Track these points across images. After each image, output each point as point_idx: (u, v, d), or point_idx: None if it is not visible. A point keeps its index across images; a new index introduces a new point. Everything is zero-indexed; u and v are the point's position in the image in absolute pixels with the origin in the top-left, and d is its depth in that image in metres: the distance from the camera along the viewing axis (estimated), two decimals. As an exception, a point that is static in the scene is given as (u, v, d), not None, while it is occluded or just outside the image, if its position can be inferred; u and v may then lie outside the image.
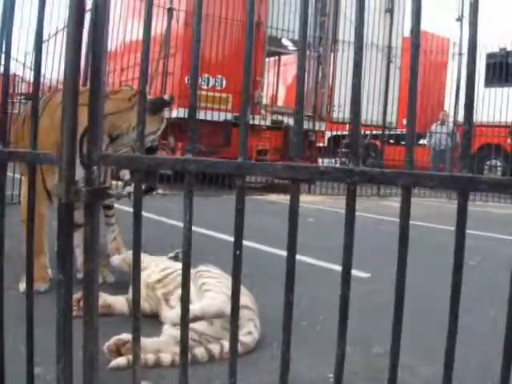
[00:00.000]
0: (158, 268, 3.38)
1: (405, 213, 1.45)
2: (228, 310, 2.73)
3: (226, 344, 2.56)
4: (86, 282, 1.75)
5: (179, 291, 2.94)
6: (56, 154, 1.75)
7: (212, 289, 2.94)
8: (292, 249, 1.55)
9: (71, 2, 1.71)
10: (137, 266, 1.74)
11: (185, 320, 1.68)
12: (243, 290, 2.89)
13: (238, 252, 1.60)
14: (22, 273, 3.60)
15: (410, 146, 1.46)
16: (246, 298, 2.94)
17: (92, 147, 1.68)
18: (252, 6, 1.60)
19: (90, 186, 1.69)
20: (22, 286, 3.59)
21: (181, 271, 1.67)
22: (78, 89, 1.71)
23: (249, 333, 2.88)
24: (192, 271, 3.24)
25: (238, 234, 1.60)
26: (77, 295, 2.33)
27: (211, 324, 2.82)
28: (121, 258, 3.89)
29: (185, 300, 1.68)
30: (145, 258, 3.54)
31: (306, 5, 1.53)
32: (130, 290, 3.29)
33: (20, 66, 9.39)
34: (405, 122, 15.23)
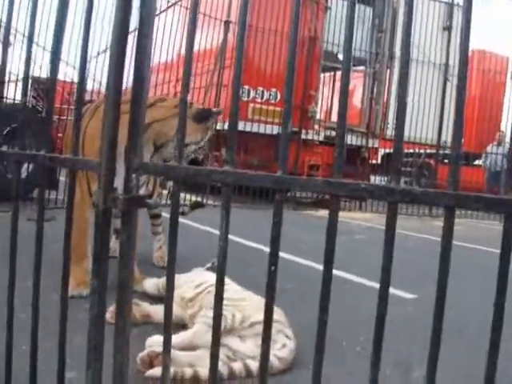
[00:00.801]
0: (193, 284, 3.35)
1: (447, 235, 1.39)
2: (199, 340, 2.74)
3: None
4: (119, 288, 1.74)
5: (202, 312, 2.93)
6: (96, 161, 1.75)
7: (200, 320, 2.92)
8: (328, 265, 1.50)
9: (116, 12, 1.71)
10: (170, 277, 1.72)
11: (215, 337, 1.65)
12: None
13: (273, 268, 1.57)
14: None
15: (455, 166, 1.40)
16: (279, 312, 2.92)
17: (132, 155, 1.68)
18: (296, 18, 1.57)
19: (127, 194, 1.68)
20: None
21: (207, 288, 1.64)
22: (119, 97, 1.71)
23: (283, 346, 2.84)
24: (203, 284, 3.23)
25: (274, 248, 1.57)
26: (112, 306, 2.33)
27: (244, 341, 2.79)
28: (153, 283, 3.87)
29: (217, 315, 1.65)
30: (180, 277, 3.52)
31: (351, 20, 1.50)
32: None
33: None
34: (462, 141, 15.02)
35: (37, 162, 2.01)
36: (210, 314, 2.77)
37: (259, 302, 2.98)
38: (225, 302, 2.85)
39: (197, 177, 1.63)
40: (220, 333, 1.70)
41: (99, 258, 1.73)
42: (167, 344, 1.74)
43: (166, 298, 1.74)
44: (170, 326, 1.73)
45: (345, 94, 1.50)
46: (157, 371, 2.58)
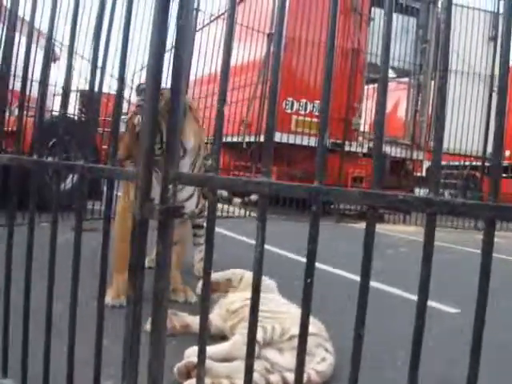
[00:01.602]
0: (244, 296, 3.32)
1: (487, 248, 1.36)
2: (237, 352, 2.71)
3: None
4: (155, 299, 1.74)
5: (241, 325, 2.91)
6: (133, 171, 1.75)
7: (240, 332, 2.90)
8: (365, 279, 1.48)
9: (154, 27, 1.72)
10: (206, 286, 1.72)
11: (250, 349, 1.64)
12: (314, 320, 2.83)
13: (309, 280, 1.55)
14: (109, 285, 3.68)
15: (495, 176, 1.37)
16: (318, 325, 2.89)
17: (168, 166, 1.68)
18: (333, 28, 1.56)
19: (164, 204, 1.68)
20: (107, 299, 3.65)
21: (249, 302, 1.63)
22: (156, 107, 1.72)
23: (322, 359, 2.80)
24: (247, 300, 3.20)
25: (311, 261, 1.55)
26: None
27: (282, 354, 2.77)
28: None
29: (252, 326, 1.64)
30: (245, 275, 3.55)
31: (389, 28, 1.48)
32: (214, 311, 3.28)
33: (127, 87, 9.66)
34: (508, 153, 14.72)
35: (76, 172, 2.03)
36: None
37: (299, 315, 2.95)
38: (265, 315, 2.84)
39: (233, 187, 1.62)
40: (254, 344, 1.69)
41: (135, 269, 1.73)
42: (202, 355, 1.74)
43: (201, 308, 1.74)
44: (204, 336, 1.72)
45: (383, 104, 1.48)
46: (194, 382, 2.57)
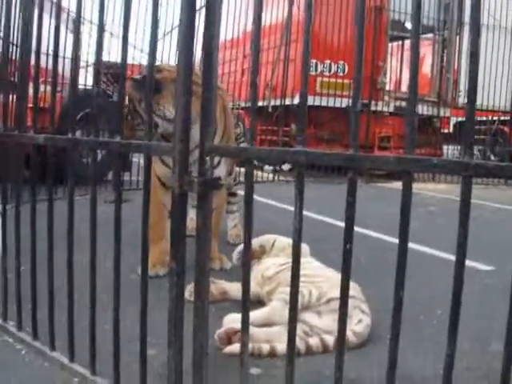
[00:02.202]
0: (279, 262, 3.36)
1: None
2: (276, 317, 2.75)
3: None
4: (197, 270, 1.79)
5: (278, 290, 2.95)
6: (169, 145, 1.78)
7: (277, 297, 2.95)
8: (403, 244, 1.51)
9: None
10: (246, 256, 1.75)
11: (292, 314, 1.68)
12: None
13: (348, 245, 1.58)
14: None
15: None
16: (357, 288, 2.93)
17: (204, 139, 1.71)
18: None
19: (202, 177, 1.71)
20: (140, 270, 3.72)
21: (286, 267, 1.67)
22: (190, 81, 1.74)
23: (359, 321, 2.85)
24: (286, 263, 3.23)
25: (349, 227, 1.58)
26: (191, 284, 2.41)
27: (321, 317, 2.81)
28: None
29: (294, 293, 1.67)
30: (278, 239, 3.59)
31: None
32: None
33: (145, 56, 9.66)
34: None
35: (111, 148, 2.07)
36: (287, 290, 2.81)
37: (336, 278, 2.99)
38: (302, 279, 2.88)
39: (269, 157, 1.65)
40: (297, 309, 1.72)
41: (177, 241, 1.77)
42: (245, 323, 1.78)
43: (243, 276, 1.78)
44: (248, 305, 1.77)
45: (415, 69, 1.48)
46: (235, 348, 2.63)
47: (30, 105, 2.79)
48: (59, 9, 2.53)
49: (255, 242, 3.70)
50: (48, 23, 2.68)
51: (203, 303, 1.81)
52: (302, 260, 3.20)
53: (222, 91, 4.03)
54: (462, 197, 1.42)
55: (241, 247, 3.92)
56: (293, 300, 1.68)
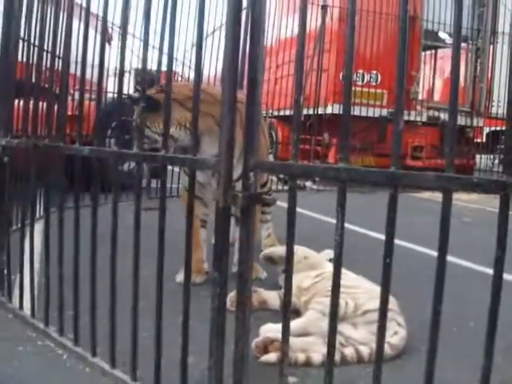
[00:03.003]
0: (314, 274, 3.40)
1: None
2: (312, 327, 2.79)
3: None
4: (239, 282, 1.84)
5: (316, 299, 2.98)
6: (214, 160, 1.84)
7: (313, 307, 2.98)
8: (442, 260, 1.54)
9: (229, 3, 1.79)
10: (290, 265, 1.80)
11: (332, 325, 1.72)
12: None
13: (388, 260, 1.61)
14: (179, 265, 3.80)
15: None
16: (393, 301, 2.94)
17: (249, 154, 1.76)
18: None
19: (246, 191, 1.77)
20: (179, 277, 3.79)
21: (322, 277, 1.70)
22: (235, 100, 1.79)
23: (395, 333, 2.87)
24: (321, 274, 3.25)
25: (389, 242, 1.61)
26: (232, 293, 2.47)
27: (356, 328, 2.85)
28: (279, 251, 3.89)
29: (334, 305, 1.71)
30: (311, 256, 3.62)
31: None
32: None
33: (179, 64, 9.77)
34: None
35: (157, 162, 2.13)
36: (324, 300, 2.84)
37: (372, 289, 3.02)
38: (340, 289, 2.92)
39: (312, 173, 1.69)
40: (336, 321, 1.76)
41: (220, 253, 1.83)
42: (286, 332, 1.82)
43: (285, 287, 1.82)
44: (288, 315, 1.81)
45: (455, 93, 1.51)
46: (271, 357, 2.68)
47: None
48: (104, 24, 2.61)
49: (279, 251, 3.77)
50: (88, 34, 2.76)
51: (245, 314, 1.86)
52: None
53: (241, 104, 4.03)
54: (500, 215, 1.44)
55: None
56: (333, 310, 1.72)
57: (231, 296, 2.65)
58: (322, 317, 2.81)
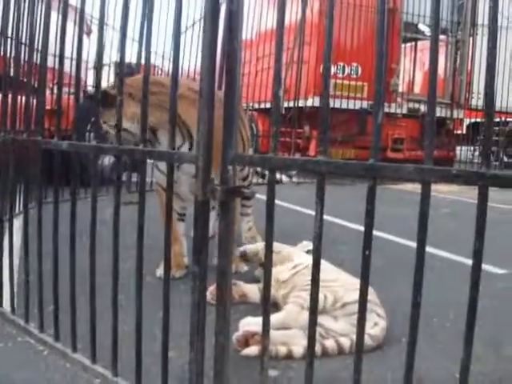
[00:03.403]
0: (290, 265, 3.41)
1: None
2: (291, 321, 2.79)
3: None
4: (219, 276, 1.83)
5: (294, 293, 2.98)
6: (192, 154, 1.83)
7: (293, 301, 2.98)
8: (421, 251, 1.55)
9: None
10: (268, 260, 1.80)
11: (312, 318, 1.72)
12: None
13: (367, 252, 1.62)
14: (159, 259, 3.80)
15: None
16: (372, 292, 2.95)
17: (227, 148, 1.75)
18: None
19: (225, 185, 1.76)
20: (159, 272, 3.79)
21: (300, 270, 1.70)
22: (213, 96, 1.78)
23: (375, 324, 2.89)
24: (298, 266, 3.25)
25: (368, 234, 1.62)
26: (212, 287, 2.47)
27: (336, 320, 2.86)
28: (253, 248, 3.92)
29: (314, 298, 1.72)
30: (283, 250, 3.61)
31: None
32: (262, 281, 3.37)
33: (159, 58, 9.71)
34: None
35: (136, 156, 2.12)
36: (302, 294, 2.85)
37: (350, 282, 3.04)
38: None
39: (291, 166, 1.69)
40: (316, 314, 1.77)
41: (200, 247, 1.82)
42: (266, 326, 1.82)
43: (264, 280, 1.82)
44: (268, 308, 1.81)
45: (433, 87, 1.52)
46: (252, 350, 2.68)
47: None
48: (82, 14, 2.58)
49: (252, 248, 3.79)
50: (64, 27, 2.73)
51: (225, 307, 1.86)
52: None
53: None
54: (479, 207, 1.45)
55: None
56: (313, 303, 1.72)
57: (211, 289, 2.65)
58: (301, 310, 2.82)
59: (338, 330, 2.83)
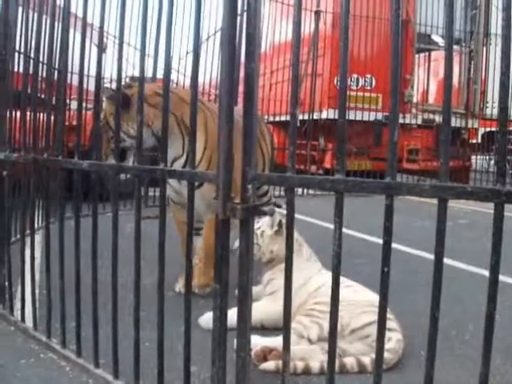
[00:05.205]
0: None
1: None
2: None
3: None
4: (240, 293, 1.86)
5: (296, 318, 2.92)
6: (213, 173, 1.87)
7: (293, 327, 2.88)
8: (439, 269, 1.57)
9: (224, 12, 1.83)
10: (288, 278, 1.83)
11: (333, 336, 1.74)
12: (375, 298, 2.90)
13: (385, 269, 1.64)
14: (177, 273, 3.83)
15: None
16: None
17: (247, 167, 1.79)
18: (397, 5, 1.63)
19: (245, 203, 1.79)
20: (178, 286, 3.81)
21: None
22: (232, 110, 1.82)
23: (388, 339, 2.84)
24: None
25: (387, 251, 1.64)
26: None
27: (351, 343, 2.85)
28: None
29: (334, 314, 1.74)
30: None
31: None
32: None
33: (173, 72, 9.78)
34: None
35: (157, 175, 2.16)
36: (304, 321, 2.85)
37: (358, 301, 2.99)
38: (319, 308, 2.91)
39: (309, 185, 1.72)
40: (337, 330, 1.79)
41: (220, 264, 1.85)
42: (286, 342, 1.85)
43: (284, 298, 1.85)
44: (289, 325, 1.84)
45: (448, 103, 1.54)
46: (270, 364, 2.70)
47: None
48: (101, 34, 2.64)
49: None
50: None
51: (246, 322, 1.89)
52: (325, 280, 3.18)
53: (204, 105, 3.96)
54: (495, 224, 1.47)
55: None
56: (333, 320, 1.75)
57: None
58: (299, 340, 2.80)
59: (354, 351, 2.83)
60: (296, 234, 3.45)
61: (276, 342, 2.70)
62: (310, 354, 2.78)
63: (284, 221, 3.47)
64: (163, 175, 2.08)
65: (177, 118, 3.61)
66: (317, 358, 2.74)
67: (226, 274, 1.87)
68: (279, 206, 5.38)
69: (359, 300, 2.97)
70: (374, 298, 2.98)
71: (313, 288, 3.17)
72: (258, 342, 2.78)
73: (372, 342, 2.76)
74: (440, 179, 1.54)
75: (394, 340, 2.88)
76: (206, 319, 3.00)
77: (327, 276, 3.25)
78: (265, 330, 3.05)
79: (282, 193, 6.88)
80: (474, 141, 14.48)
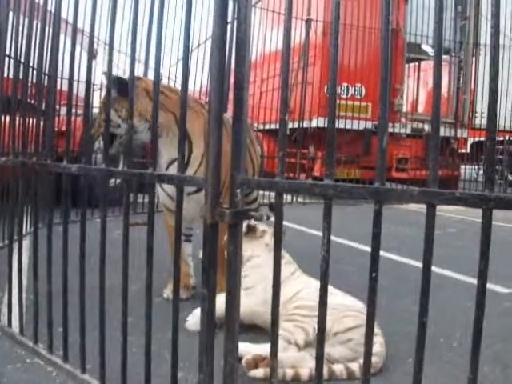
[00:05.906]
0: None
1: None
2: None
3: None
4: (228, 295, 1.86)
5: (282, 325, 2.91)
6: (201, 177, 1.87)
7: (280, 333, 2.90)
8: (427, 274, 1.57)
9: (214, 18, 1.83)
10: (276, 284, 1.82)
11: (320, 341, 1.74)
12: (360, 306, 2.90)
13: (374, 274, 1.64)
14: (165, 279, 3.82)
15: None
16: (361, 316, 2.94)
17: (235, 171, 1.79)
18: (387, 13, 1.64)
19: (233, 208, 1.79)
20: (166, 293, 3.80)
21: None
22: (222, 115, 1.82)
23: (374, 344, 2.84)
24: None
25: (375, 257, 1.64)
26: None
27: (334, 347, 2.84)
28: None
29: (321, 321, 1.74)
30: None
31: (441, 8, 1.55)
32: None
33: (164, 79, 9.79)
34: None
35: (146, 179, 2.15)
36: (288, 327, 2.84)
37: (339, 305, 2.97)
38: (303, 312, 2.91)
39: (298, 190, 1.72)
40: (324, 335, 1.78)
41: (208, 269, 1.85)
42: (274, 348, 1.84)
43: (272, 303, 1.84)
44: (277, 332, 1.83)
45: (437, 110, 1.55)
46: (259, 371, 2.69)
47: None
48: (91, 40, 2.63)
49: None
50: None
51: (234, 327, 1.88)
52: (310, 283, 3.17)
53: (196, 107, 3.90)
54: (483, 229, 1.48)
55: None
56: (321, 325, 1.74)
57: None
58: (287, 346, 2.79)
59: (337, 355, 2.82)
60: (268, 238, 3.48)
61: (268, 349, 2.70)
62: (299, 362, 2.77)
63: (259, 226, 3.51)
64: (152, 180, 2.08)
65: (176, 117, 3.60)
66: (306, 366, 2.73)
67: (214, 278, 1.87)
68: (268, 218, 5.40)
69: (340, 304, 2.97)
70: (353, 302, 3.00)
71: (289, 295, 3.13)
72: (249, 349, 2.77)
73: (354, 346, 2.79)
74: (428, 185, 1.55)
75: (378, 344, 2.88)
76: (192, 322, 3.00)
77: (301, 280, 3.28)
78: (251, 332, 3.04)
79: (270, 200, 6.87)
80: (463, 150, 14.56)
